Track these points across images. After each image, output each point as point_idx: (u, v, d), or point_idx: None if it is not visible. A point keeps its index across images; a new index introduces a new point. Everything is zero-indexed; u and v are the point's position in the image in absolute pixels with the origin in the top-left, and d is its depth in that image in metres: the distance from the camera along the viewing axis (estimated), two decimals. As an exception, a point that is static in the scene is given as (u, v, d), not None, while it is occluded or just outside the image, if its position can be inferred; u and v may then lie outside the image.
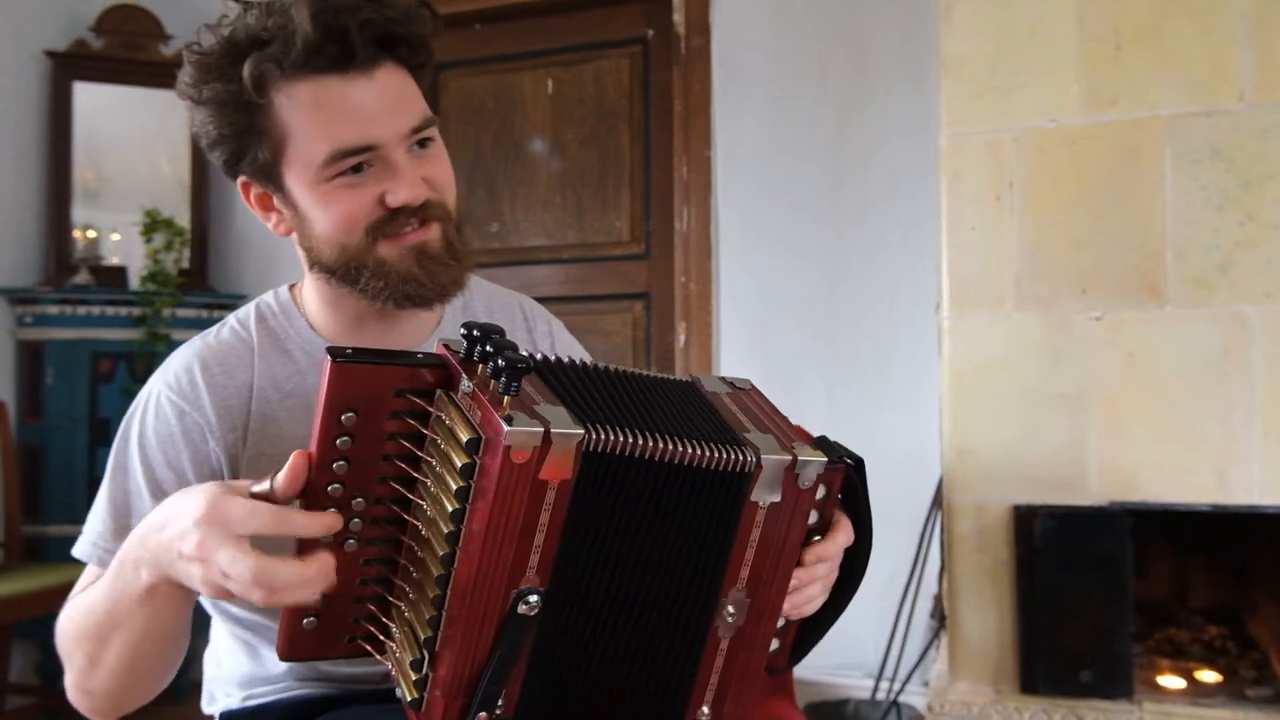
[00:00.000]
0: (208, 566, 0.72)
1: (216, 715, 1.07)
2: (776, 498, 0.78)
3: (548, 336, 1.18)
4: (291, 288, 1.07)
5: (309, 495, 0.72)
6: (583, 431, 0.70)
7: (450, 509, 0.70)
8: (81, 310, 2.99)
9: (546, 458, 0.68)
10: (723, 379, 0.88)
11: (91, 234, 3.17)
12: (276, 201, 0.96)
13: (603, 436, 0.71)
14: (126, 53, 3.19)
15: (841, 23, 2.67)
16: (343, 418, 0.71)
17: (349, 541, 0.74)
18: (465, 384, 0.72)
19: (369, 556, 0.76)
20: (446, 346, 0.75)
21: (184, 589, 0.79)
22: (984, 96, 1.95)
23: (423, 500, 0.73)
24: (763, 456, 0.76)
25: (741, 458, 0.75)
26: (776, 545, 0.79)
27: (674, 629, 0.79)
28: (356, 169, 0.90)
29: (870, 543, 0.86)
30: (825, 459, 0.79)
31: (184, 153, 3.28)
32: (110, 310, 3.02)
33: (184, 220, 3.22)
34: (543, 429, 0.68)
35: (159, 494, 0.94)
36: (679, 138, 2.86)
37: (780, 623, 0.85)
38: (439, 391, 0.73)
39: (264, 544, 0.72)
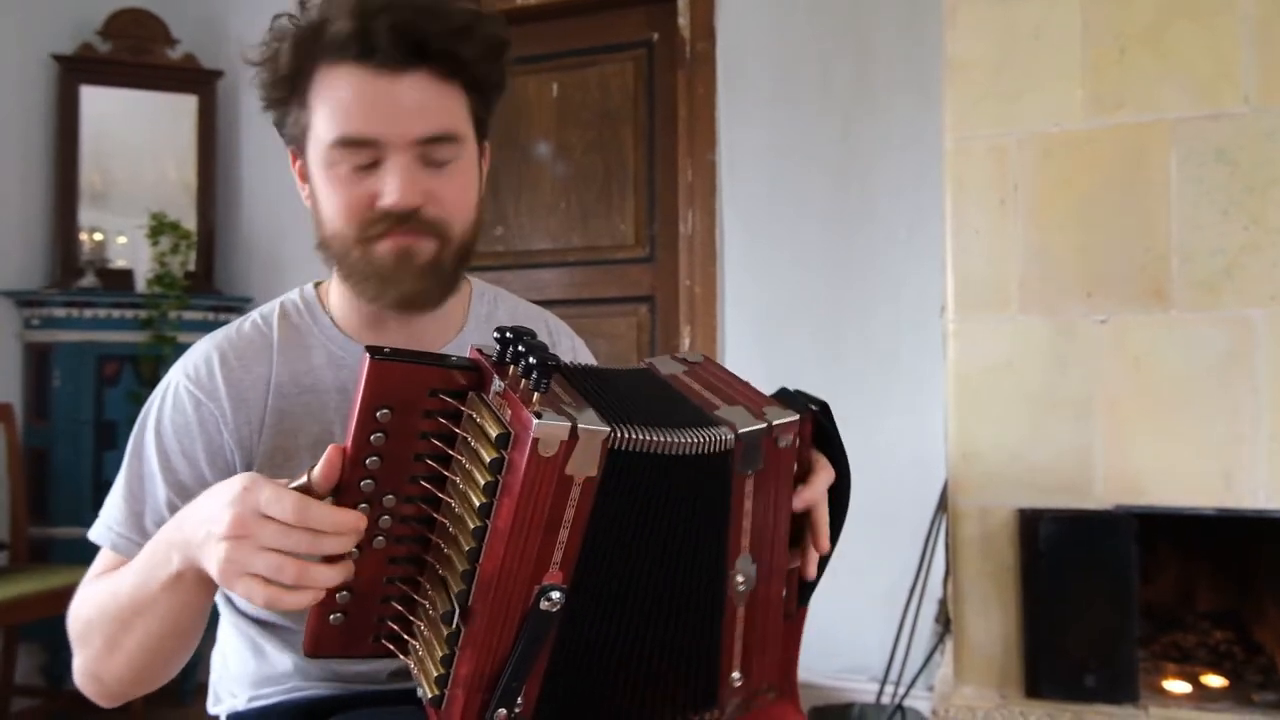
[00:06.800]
0: (237, 544, 0.72)
1: (222, 716, 1.07)
2: (760, 464, 0.79)
3: (570, 353, 1.21)
4: (318, 285, 1.09)
5: (342, 490, 0.74)
6: (609, 429, 0.71)
7: (477, 504, 0.71)
8: (88, 313, 3.00)
9: (573, 454, 0.70)
10: (674, 358, 0.90)
11: (98, 237, 3.17)
12: (306, 174, 1.00)
13: (627, 435, 0.72)
14: (133, 56, 3.21)
15: (846, 27, 2.67)
16: (378, 415, 0.73)
17: (378, 538, 0.75)
18: (497, 384, 0.74)
19: (396, 555, 0.77)
20: (480, 350, 0.77)
21: (208, 579, 0.80)
22: (988, 100, 1.95)
23: (451, 498, 0.75)
24: (739, 430, 0.78)
25: (721, 437, 0.77)
26: (770, 506, 0.81)
27: (689, 611, 0.80)
28: (367, 166, 0.93)
29: (849, 479, 0.88)
30: (796, 416, 0.80)
31: (190, 156, 3.29)
32: (116, 313, 3.03)
33: (190, 223, 3.24)
34: (569, 424, 0.69)
35: (173, 482, 0.95)
36: (683, 141, 2.86)
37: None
38: (471, 392, 0.75)
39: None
